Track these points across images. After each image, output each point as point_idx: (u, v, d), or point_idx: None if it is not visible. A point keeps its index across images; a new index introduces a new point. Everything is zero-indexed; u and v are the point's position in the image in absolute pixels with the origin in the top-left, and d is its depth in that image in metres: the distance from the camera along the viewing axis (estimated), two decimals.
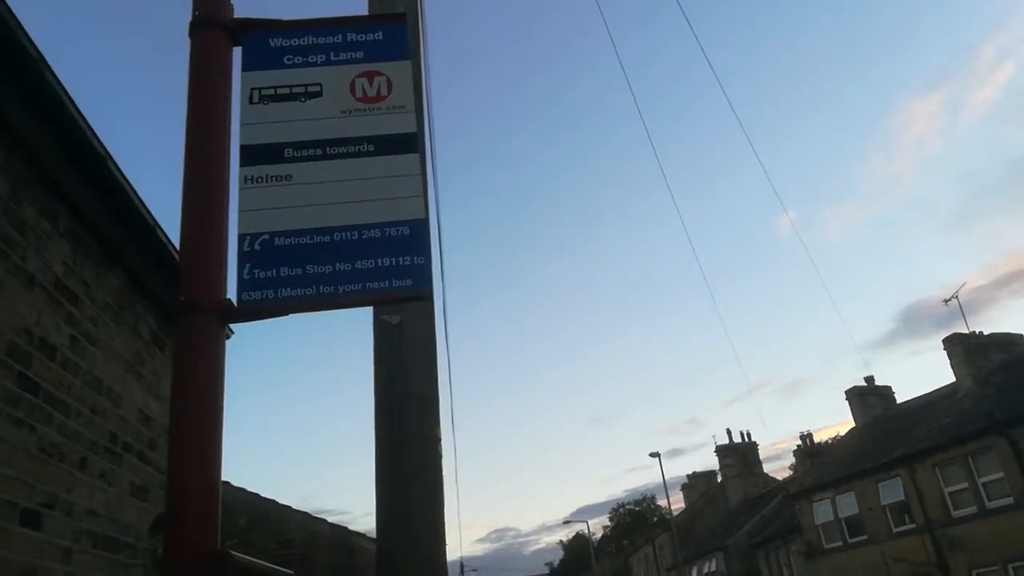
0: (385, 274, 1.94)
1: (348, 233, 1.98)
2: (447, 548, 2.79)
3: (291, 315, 1.97)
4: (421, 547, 2.63)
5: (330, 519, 12.36)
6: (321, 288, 1.91)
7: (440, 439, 2.77)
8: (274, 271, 1.91)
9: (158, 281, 5.18)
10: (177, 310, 1.73)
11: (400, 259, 1.96)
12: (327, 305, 1.94)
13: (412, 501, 2.62)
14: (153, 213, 4.98)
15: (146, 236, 4.82)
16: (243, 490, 11.98)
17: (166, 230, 5.07)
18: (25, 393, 3.53)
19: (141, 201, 4.60)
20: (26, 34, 3.24)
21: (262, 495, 12.11)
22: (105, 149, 4.11)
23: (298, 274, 1.92)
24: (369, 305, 2.05)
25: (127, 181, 4.42)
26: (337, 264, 1.94)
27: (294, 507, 12.25)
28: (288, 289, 1.90)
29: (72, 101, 3.67)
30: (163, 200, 5.19)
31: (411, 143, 2.10)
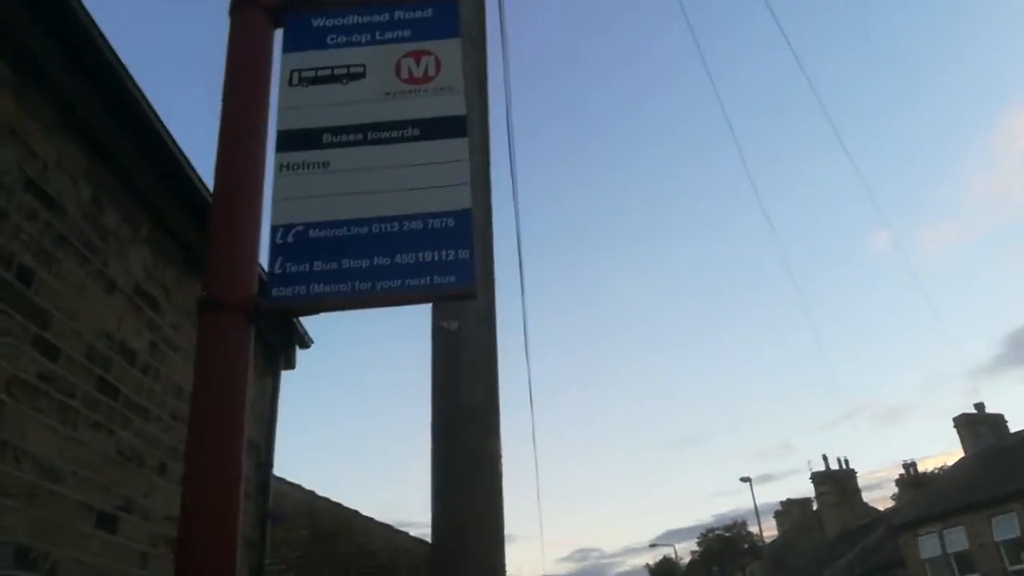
0: (426, 270, 1.76)
1: (388, 224, 1.81)
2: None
3: (328, 313, 1.82)
4: (476, 569, 2.43)
5: (413, 532, 12.34)
6: (357, 284, 1.74)
7: (500, 455, 2.56)
8: (307, 265, 1.76)
9: None
10: (197, 306, 1.59)
11: (443, 253, 1.77)
12: (363, 303, 1.77)
13: (466, 521, 2.42)
14: None
15: None
16: (327, 499, 12.09)
17: None
18: (104, 397, 3.53)
19: None
20: (106, 41, 3.25)
21: (345, 505, 12.21)
22: (185, 156, 4.13)
23: (333, 269, 1.76)
24: (408, 304, 1.86)
25: (207, 188, 4.44)
26: (375, 258, 1.77)
27: (377, 519, 12.28)
28: (322, 285, 1.75)
29: (152, 108, 3.69)
30: None
31: (459, 127, 1.92)
